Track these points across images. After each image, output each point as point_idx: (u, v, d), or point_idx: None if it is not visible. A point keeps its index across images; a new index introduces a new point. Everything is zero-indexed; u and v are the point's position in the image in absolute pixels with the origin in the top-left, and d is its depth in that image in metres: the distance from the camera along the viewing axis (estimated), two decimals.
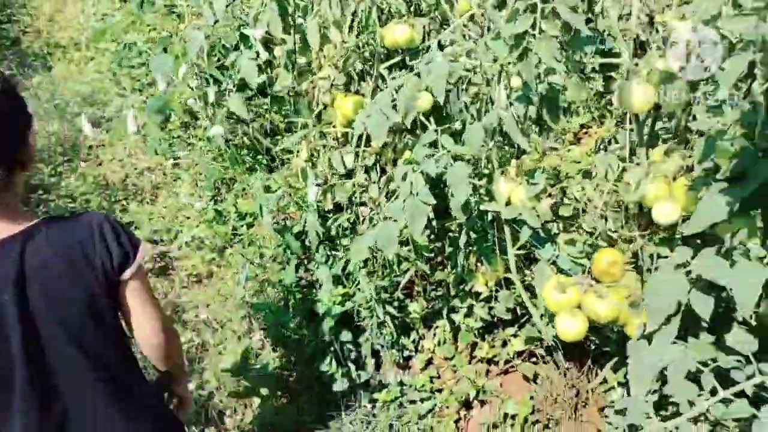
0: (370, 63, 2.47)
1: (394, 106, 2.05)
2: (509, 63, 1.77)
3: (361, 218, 2.42)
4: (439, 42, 2.19)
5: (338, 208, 2.83)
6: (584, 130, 4.40)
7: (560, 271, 2.06)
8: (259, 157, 3.79)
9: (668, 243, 1.80)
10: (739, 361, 1.32)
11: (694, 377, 1.38)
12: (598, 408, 2.46)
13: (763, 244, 1.55)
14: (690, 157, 1.69)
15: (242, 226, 3.58)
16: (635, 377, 1.46)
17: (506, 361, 2.67)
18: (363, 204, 2.45)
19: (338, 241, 2.83)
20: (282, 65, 2.71)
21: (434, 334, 2.83)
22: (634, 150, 1.78)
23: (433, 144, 2.07)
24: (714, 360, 1.35)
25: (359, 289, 2.74)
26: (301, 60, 2.68)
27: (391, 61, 2.34)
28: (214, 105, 2.61)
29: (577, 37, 1.68)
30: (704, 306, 1.40)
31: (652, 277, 1.51)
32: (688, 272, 1.43)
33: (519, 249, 2.20)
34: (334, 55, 2.23)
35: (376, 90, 2.40)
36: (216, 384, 2.85)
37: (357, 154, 2.42)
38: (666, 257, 1.78)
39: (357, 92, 2.58)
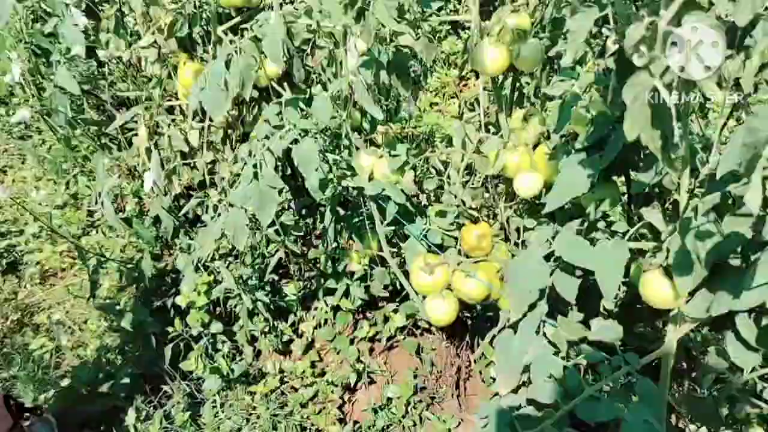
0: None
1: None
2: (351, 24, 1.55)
3: (213, 203, 2.16)
4: None
5: (199, 186, 2.56)
6: (464, 83, 4.27)
7: (430, 248, 1.91)
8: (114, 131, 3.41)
9: (535, 214, 1.67)
10: (605, 349, 1.21)
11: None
12: (482, 378, 2.38)
13: (628, 216, 1.44)
14: None
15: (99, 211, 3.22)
16: (502, 373, 1.33)
17: (389, 338, 2.53)
18: (214, 185, 2.19)
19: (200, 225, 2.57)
20: (112, 30, 2.36)
21: (313, 317, 2.65)
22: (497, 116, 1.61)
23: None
24: (578, 351, 1.23)
25: None
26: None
27: (231, 23, 2.05)
28: (24, 83, 2.24)
29: None
30: (569, 288, 1.28)
31: (512, 262, 1.37)
32: (551, 253, 1.29)
33: (390, 225, 2.03)
34: (160, 18, 1.92)
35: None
36: (72, 396, 2.56)
37: (202, 130, 2.14)
38: (533, 229, 1.66)
39: (202, 59, 2.28)
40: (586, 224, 1.33)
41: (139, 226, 2.47)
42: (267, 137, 1.80)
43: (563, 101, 1.24)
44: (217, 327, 2.59)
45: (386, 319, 2.53)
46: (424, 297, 1.83)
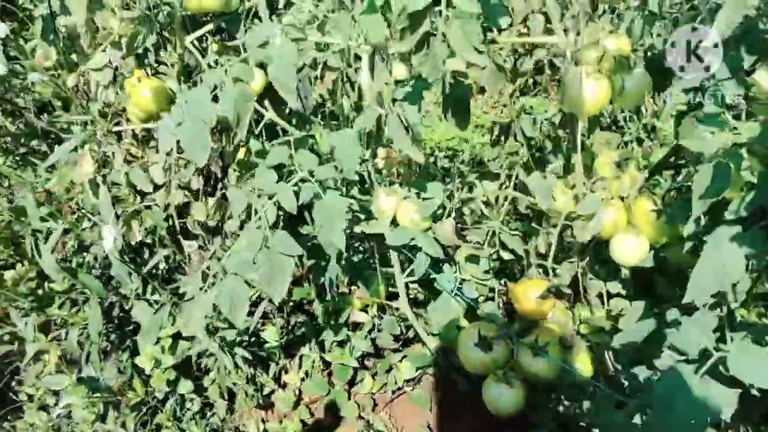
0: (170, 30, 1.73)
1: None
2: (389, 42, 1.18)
3: (187, 255, 1.74)
4: (272, 4, 1.53)
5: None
6: None
7: (469, 310, 1.57)
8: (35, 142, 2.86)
9: (616, 275, 1.37)
10: None
11: None
12: None
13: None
14: (646, 166, 1.24)
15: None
16: None
17: (394, 390, 2.20)
18: (186, 234, 1.77)
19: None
20: (39, 36, 1.86)
21: (299, 366, 2.27)
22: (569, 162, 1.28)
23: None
24: None
25: None
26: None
27: (202, 30, 1.62)
28: None
29: (487, 5, 1.11)
30: (727, 405, 0.98)
31: (659, 386, 1.04)
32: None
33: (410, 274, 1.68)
34: (112, 29, 1.46)
35: (184, 73, 1.69)
36: None
37: (169, 165, 1.71)
38: (620, 295, 1.35)
39: (156, 73, 1.83)
40: (727, 313, 1.03)
41: (86, 277, 2.00)
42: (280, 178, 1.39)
43: (720, 161, 0.93)
44: (186, 386, 2.19)
45: (390, 368, 2.19)
46: (478, 376, 1.49)
